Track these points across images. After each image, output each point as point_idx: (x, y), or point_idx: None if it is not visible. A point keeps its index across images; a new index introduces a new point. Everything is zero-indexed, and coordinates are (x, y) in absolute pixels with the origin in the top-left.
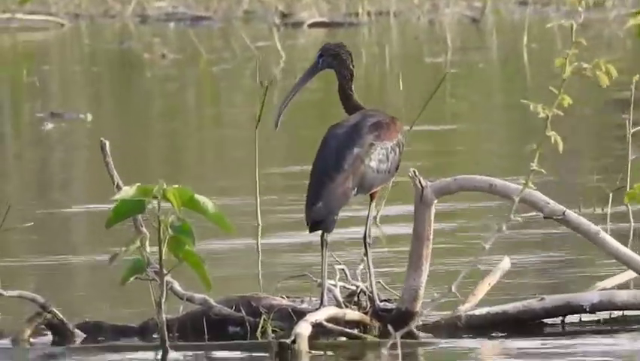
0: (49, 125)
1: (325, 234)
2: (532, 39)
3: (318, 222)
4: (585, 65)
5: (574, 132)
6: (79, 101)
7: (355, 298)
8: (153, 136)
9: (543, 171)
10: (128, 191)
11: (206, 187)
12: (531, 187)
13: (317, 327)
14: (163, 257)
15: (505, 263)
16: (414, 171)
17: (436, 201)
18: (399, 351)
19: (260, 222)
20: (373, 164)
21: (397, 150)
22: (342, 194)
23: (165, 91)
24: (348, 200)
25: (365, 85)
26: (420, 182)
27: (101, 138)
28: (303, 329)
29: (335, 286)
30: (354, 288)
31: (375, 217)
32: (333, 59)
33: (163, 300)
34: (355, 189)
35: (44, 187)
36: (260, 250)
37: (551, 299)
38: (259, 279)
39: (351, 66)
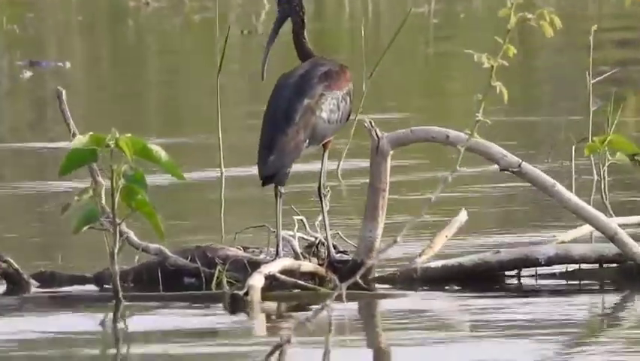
0: (27, 73)
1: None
2: None
3: (271, 175)
4: (529, 15)
5: (547, 81)
6: (60, 49)
7: (314, 250)
8: (127, 82)
9: (488, 121)
10: (80, 139)
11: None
12: (477, 137)
13: (270, 279)
14: (116, 206)
15: (462, 216)
16: (370, 122)
17: (391, 152)
18: (344, 302)
19: (223, 171)
20: (324, 114)
21: (348, 98)
22: (294, 147)
23: (143, 39)
24: (300, 152)
25: (336, 33)
26: (376, 133)
27: (58, 87)
28: (256, 280)
29: (293, 237)
30: (312, 239)
31: (336, 169)
32: (288, 5)
33: (116, 250)
34: (307, 141)
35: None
36: (223, 200)
37: (507, 252)
38: (222, 229)
39: (301, 12)
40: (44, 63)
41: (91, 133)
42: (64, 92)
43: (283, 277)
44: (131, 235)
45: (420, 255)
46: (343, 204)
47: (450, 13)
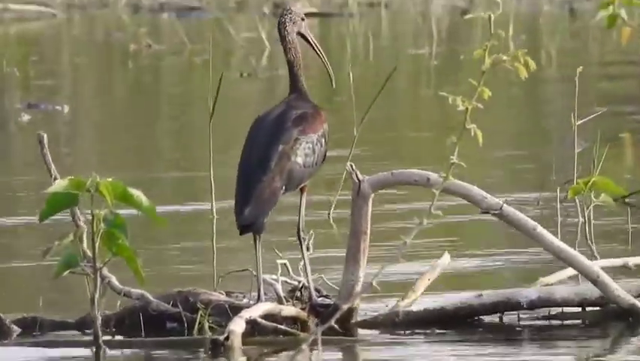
0: (25, 117)
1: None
2: (524, 30)
3: (248, 225)
4: (504, 57)
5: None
6: (59, 93)
7: (297, 294)
8: (126, 126)
9: (463, 164)
10: (61, 184)
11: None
12: (452, 180)
13: (251, 323)
14: (97, 251)
15: (445, 259)
16: (351, 165)
17: (372, 195)
18: (319, 347)
19: (215, 214)
20: (300, 159)
21: (323, 140)
22: (270, 195)
23: (143, 82)
24: (277, 200)
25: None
26: (357, 176)
27: (39, 132)
28: (237, 325)
29: (277, 281)
30: (296, 283)
31: (327, 214)
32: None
33: (96, 295)
34: (284, 188)
35: None
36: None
37: (489, 295)
38: (214, 274)
39: (291, 56)
40: (42, 106)
41: (71, 177)
42: (45, 136)
43: (264, 321)
44: (113, 279)
45: (402, 298)
46: (337, 248)
47: (450, 55)
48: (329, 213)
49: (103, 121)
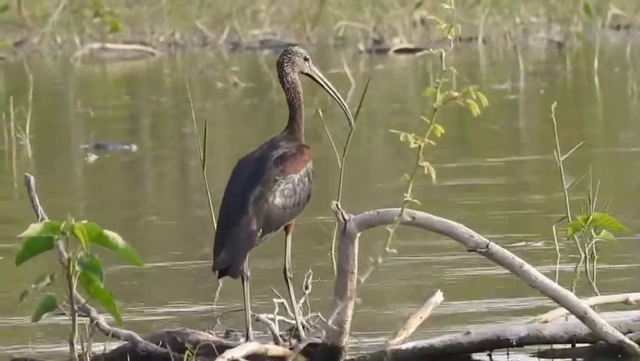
0: (92, 157)
1: (245, 268)
2: (615, 64)
3: (224, 269)
4: (455, 94)
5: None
6: (131, 132)
7: (294, 332)
8: (190, 168)
9: (417, 202)
10: (35, 228)
11: None
12: (407, 219)
13: None
14: (74, 294)
15: (437, 297)
16: (336, 205)
17: (359, 235)
18: None
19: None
20: (278, 201)
21: (306, 180)
22: (246, 238)
23: (217, 121)
24: (253, 243)
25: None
26: (342, 215)
27: (26, 174)
28: None
29: (273, 320)
30: (293, 322)
31: (330, 252)
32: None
33: (75, 337)
34: (261, 230)
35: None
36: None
37: (478, 333)
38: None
39: (293, 101)
40: (110, 146)
41: (46, 221)
42: (32, 178)
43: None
44: (101, 320)
45: (393, 337)
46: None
47: (530, 90)
48: (331, 251)
49: (168, 160)
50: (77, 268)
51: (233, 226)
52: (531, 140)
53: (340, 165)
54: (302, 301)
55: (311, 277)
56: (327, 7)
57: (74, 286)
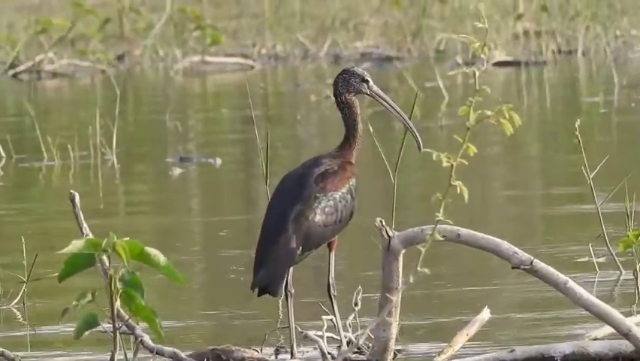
0: (177, 171)
1: (289, 285)
2: None
3: (264, 288)
4: (488, 113)
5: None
6: (219, 145)
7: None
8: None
9: (449, 221)
10: (76, 244)
11: None
12: (439, 239)
13: None
14: (115, 311)
15: (485, 314)
16: (380, 221)
17: (403, 251)
18: None
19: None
20: (318, 218)
21: (349, 197)
22: (285, 256)
23: (304, 134)
24: (293, 261)
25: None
26: (387, 232)
27: (71, 191)
28: None
29: (321, 337)
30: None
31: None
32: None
33: (116, 355)
34: (300, 248)
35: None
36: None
37: (522, 351)
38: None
39: (351, 127)
40: (195, 159)
41: (88, 237)
42: (77, 195)
43: None
44: (146, 338)
45: (439, 354)
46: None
47: (623, 103)
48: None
49: (250, 174)
50: (119, 285)
51: (273, 244)
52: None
53: (393, 180)
54: (351, 317)
55: (360, 293)
56: (429, 19)
57: (116, 303)
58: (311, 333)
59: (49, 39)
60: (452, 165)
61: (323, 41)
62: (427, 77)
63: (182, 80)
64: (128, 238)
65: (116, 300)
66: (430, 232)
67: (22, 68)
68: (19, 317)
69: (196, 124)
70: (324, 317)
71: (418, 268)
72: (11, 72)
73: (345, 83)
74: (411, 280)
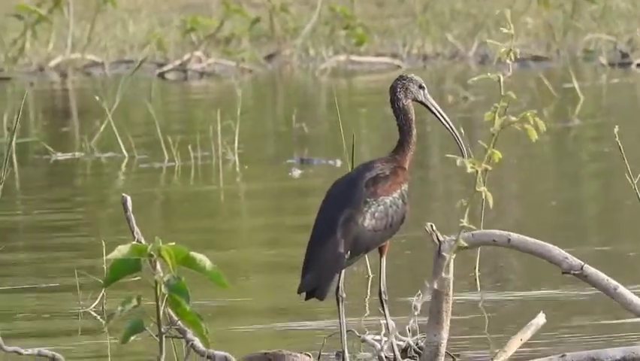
0: (296, 172)
1: (340, 290)
2: None
3: (311, 292)
4: (513, 118)
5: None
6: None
7: (409, 354)
8: None
9: (473, 227)
10: (121, 250)
11: None
12: (462, 245)
13: None
14: (161, 316)
15: (540, 319)
16: (431, 226)
17: (454, 256)
18: None
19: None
20: (368, 223)
21: (400, 202)
22: (333, 261)
23: (430, 137)
24: (341, 266)
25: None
26: (437, 237)
27: (123, 194)
28: None
29: (379, 341)
30: (402, 343)
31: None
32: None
33: (162, 359)
34: (349, 253)
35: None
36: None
37: (573, 355)
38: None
39: (405, 131)
40: (315, 161)
41: (133, 243)
42: (129, 198)
43: None
44: (197, 341)
45: (492, 359)
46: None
47: None
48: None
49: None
50: (164, 290)
51: (321, 248)
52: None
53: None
54: (411, 322)
55: (422, 297)
56: (578, 19)
57: (162, 308)
58: (369, 337)
59: (199, 38)
60: (477, 171)
61: (472, 41)
62: (570, 78)
63: (327, 80)
64: (173, 243)
65: (161, 305)
66: (480, 237)
67: (169, 67)
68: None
69: (324, 125)
70: (382, 320)
71: (443, 275)
72: (158, 71)
73: (404, 89)
74: (435, 285)
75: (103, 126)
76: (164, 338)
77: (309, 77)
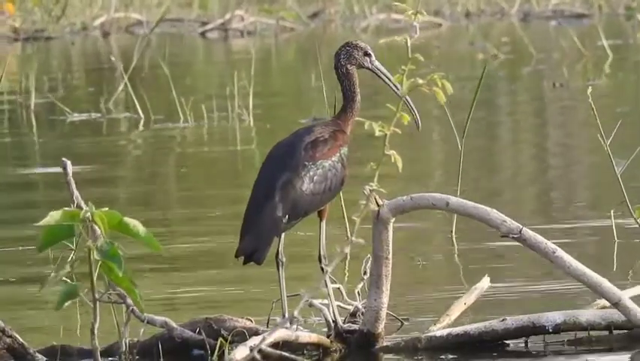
0: None
1: (280, 254)
2: None
3: (248, 255)
4: (420, 81)
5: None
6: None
7: (357, 318)
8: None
9: (383, 190)
10: (54, 216)
11: None
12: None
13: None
14: (95, 282)
15: (484, 283)
16: (369, 190)
17: (393, 220)
18: None
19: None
20: (306, 187)
21: (339, 165)
22: (271, 225)
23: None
24: (279, 230)
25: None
26: (376, 200)
27: (63, 159)
28: (239, 353)
29: (327, 305)
30: (350, 308)
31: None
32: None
33: (96, 325)
34: (287, 217)
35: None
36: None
37: (513, 320)
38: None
39: (347, 95)
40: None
41: (65, 209)
42: (69, 163)
43: (268, 349)
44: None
45: (435, 323)
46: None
47: None
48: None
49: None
50: (97, 256)
51: (259, 212)
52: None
53: (460, 148)
54: (360, 286)
55: (369, 262)
56: None
57: (95, 274)
58: (316, 302)
59: None
60: (385, 135)
61: None
62: (613, 34)
63: (367, 38)
64: (106, 208)
65: (95, 271)
66: (419, 200)
67: (210, 26)
68: None
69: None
70: (331, 285)
71: (353, 239)
72: (200, 30)
73: (347, 56)
74: (345, 250)
75: (120, 88)
76: (97, 304)
77: (350, 35)
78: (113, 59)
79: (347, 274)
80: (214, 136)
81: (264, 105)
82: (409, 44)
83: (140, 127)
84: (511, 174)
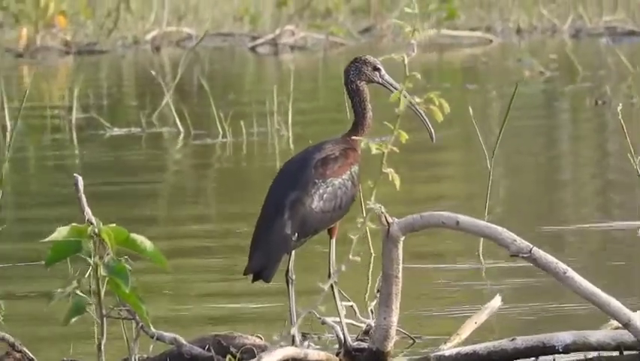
0: None
1: (290, 271)
2: None
3: (256, 273)
4: (418, 100)
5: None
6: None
7: (370, 336)
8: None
9: (383, 209)
10: (61, 231)
11: None
12: (370, 226)
13: None
14: (102, 298)
15: (495, 302)
16: (380, 207)
17: (403, 238)
18: None
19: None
20: (316, 204)
21: (350, 183)
22: (281, 243)
23: (487, 109)
24: (288, 247)
25: None
26: (386, 219)
27: (75, 174)
28: None
29: (339, 323)
30: (362, 326)
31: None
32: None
33: (103, 341)
34: (296, 235)
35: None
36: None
37: (523, 340)
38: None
39: (360, 111)
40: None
41: (73, 224)
42: (80, 179)
43: None
44: None
45: (446, 342)
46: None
47: None
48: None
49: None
50: (104, 272)
51: (269, 230)
52: None
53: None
54: (373, 304)
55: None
56: None
57: (102, 290)
58: (329, 319)
59: (291, 12)
60: (383, 153)
61: (567, 15)
62: None
63: (417, 55)
64: (114, 225)
65: (102, 287)
66: (429, 219)
67: (260, 40)
68: None
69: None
70: (344, 303)
71: (350, 257)
72: (250, 44)
73: (357, 72)
74: (342, 268)
75: (164, 102)
76: (104, 320)
77: (399, 50)
78: (153, 73)
79: (367, 292)
80: (252, 152)
81: (305, 122)
82: (406, 62)
83: (179, 142)
84: (531, 192)
